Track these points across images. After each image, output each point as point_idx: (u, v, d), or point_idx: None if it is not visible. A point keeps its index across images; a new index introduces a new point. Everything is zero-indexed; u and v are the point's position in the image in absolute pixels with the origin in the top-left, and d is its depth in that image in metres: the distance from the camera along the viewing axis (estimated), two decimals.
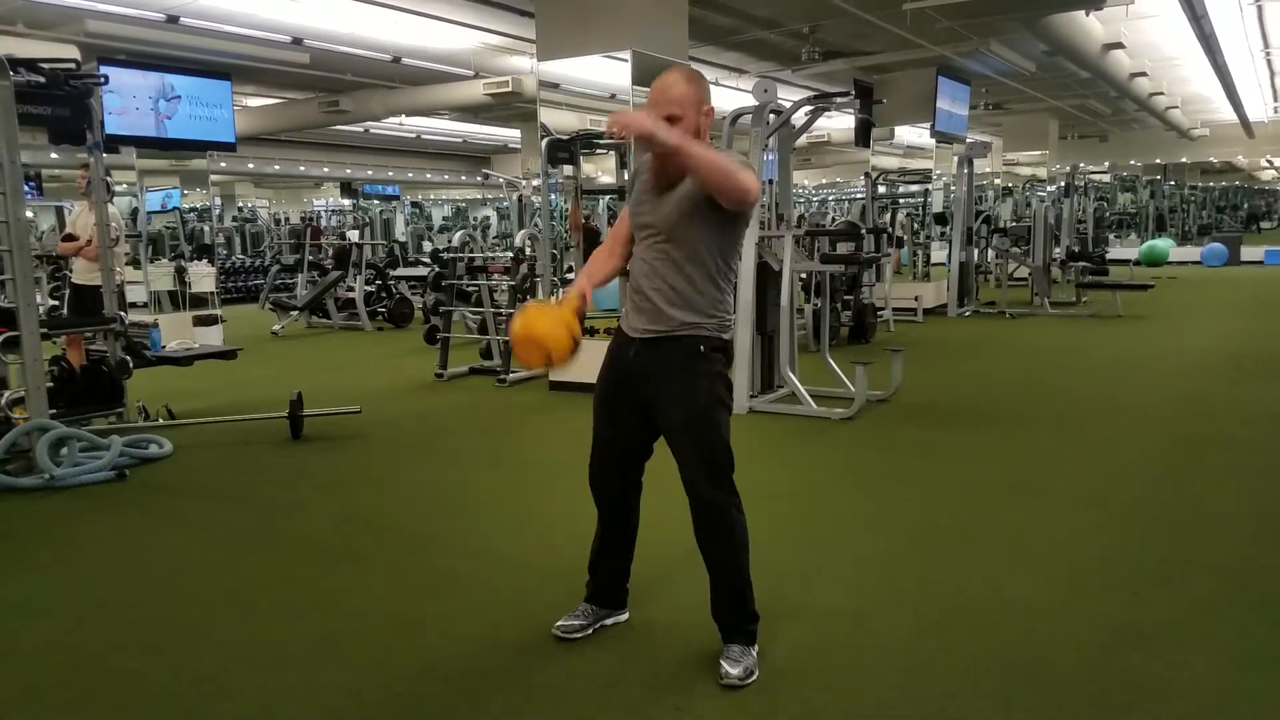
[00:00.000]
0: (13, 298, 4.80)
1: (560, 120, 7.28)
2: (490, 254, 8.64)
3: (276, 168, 22.61)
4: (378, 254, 14.22)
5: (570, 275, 8.03)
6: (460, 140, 21.10)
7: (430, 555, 3.64)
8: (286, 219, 23.79)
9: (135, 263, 9.57)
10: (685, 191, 2.47)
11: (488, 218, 25.33)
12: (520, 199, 13.79)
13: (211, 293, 10.26)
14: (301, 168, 23.08)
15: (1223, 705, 2.42)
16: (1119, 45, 11.43)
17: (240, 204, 25.08)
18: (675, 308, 2.52)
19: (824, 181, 28.14)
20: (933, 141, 12.27)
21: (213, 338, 9.10)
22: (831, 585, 3.23)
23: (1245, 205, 31.56)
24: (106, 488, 4.66)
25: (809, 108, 6.88)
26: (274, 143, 19.38)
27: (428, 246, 19.64)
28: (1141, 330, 9.90)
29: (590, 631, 2.83)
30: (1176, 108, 17.56)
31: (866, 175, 12.25)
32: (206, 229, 11.87)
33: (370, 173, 24.23)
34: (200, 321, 9.43)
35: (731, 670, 2.52)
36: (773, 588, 3.02)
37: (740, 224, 2.52)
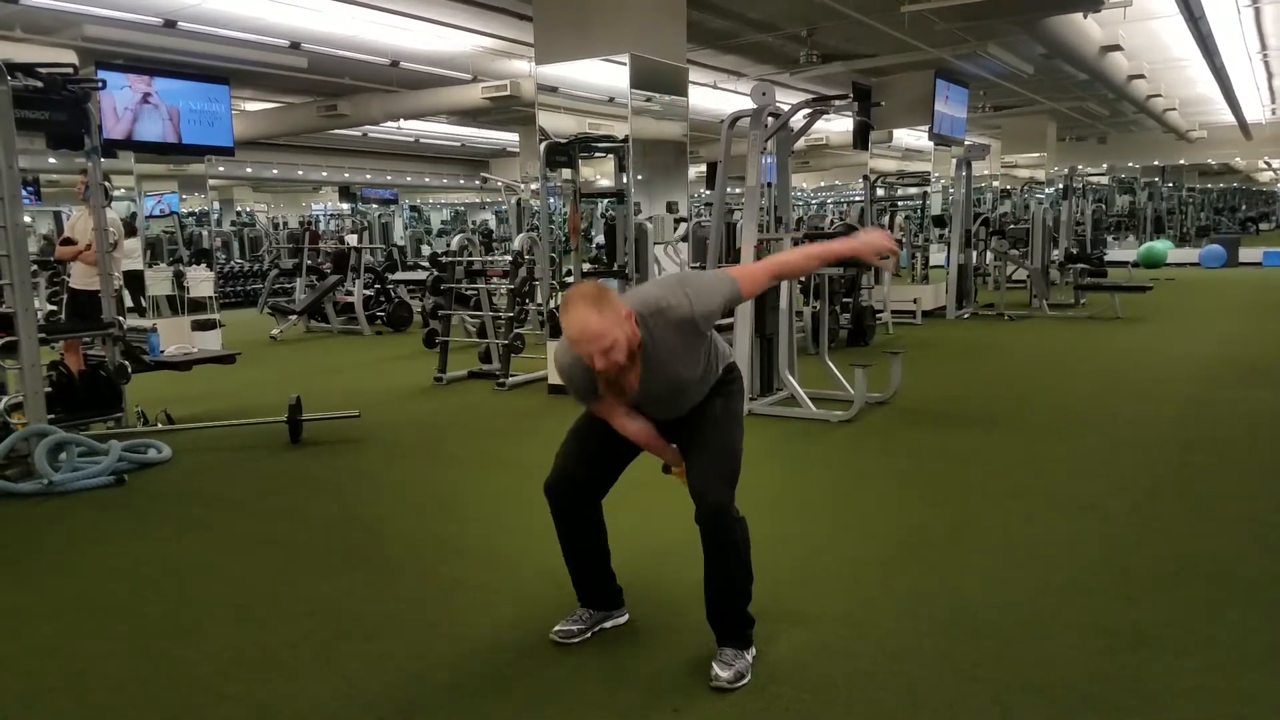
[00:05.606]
0: (11, 303, 4.80)
1: (559, 123, 7.28)
2: (489, 257, 8.63)
3: (275, 172, 22.62)
4: (376, 258, 14.21)
5: (569, 279, 8.01)
6: (459, 144, 21.10)
7: (429, 559, 3.64)
8: (285, 223, 23.77)
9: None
10: (679, 352, 2.49)
11: (486, 221, 25.35)
12: (519, 202, 13.78)
13: (210, 297, 10.26)
14: (300, 172, 23.08)
15: (1222, 707, 2.42)
16: (1117, 47, 11.44)
17: (238, 208, 25.06)
18: (696, 397, 2.64)
19: (822, 184, 28.16)
20: (931, 144, 12.27)
21: (211, 342, 9.09)
22: (829, 589, 3.23)
23: (1243, 207, 31.61)
24: (105, 493, 4.66)
25: (807, 110, 6.88)
26: (272, 147, 19.38)
27: (426, 250, 19.65)
28: (1140, 332, 9.90)
29: (589, 635, 2.83)
30: (1174, 110, 17.57)
31: (865, 178, 12.26)
32: (205, 233, 11.86)
33: (369, 176, 24.22)
34: (199, 326, 9.43)
35: (722, 674, 2.52)
36: (770, 591, 3.02)
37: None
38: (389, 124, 15.87)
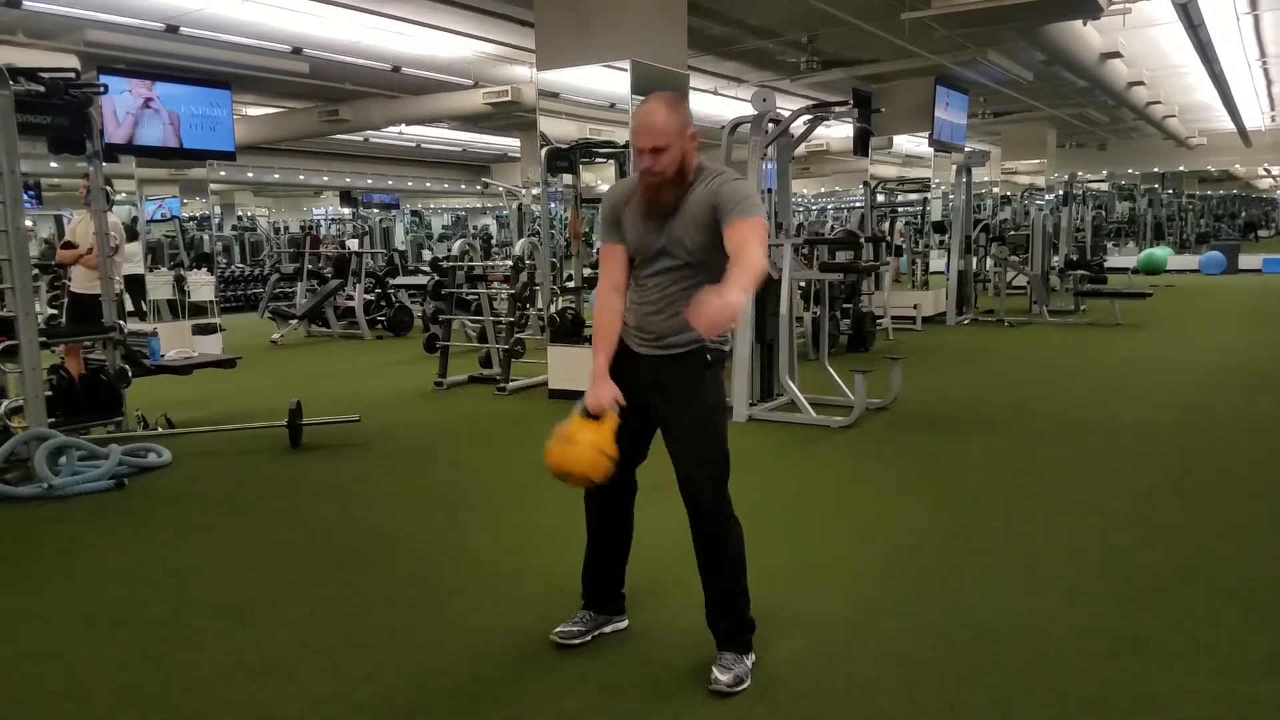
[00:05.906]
0: (12, 306, 4.80)
1: (560, 129, 7.30)
2: (489, 262, 8.65)
3: (276, 176, 22.64)
4: (377, 262, 14.23)
5: (570, 284, 8.02)
6: (460, 149, 21.13)
7: (429, 564, 3.64)
8: (286, 228, 23.81)
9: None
10: (700, 215, 2.46)
11: (487, 226, 25.39)
12: (520, 208, 13.80)
13: (211, 301, 10.26)
14: (301, 176, 23.10)
15: (1223, 711, 2.41)
16: (1116, 54, 11.46)
17: (240, 213, 25.10)
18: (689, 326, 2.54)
19: (823, 190, 28.20)
20: (931, 150, 12.30)
21: (212, 346, 9.09)
22: (830, 594, 3.23)
23: (1243, 214, 31.66)
24: (105, 497, 4.65)
25: (807, 117, 6.89)
26: (273, 151, 19.41)
27: (427, 255, 19.69)
28: (1140, 339, 9.91)
29: (589, 638, 2.83)
30: (1174, 116, 17.60)
31: (865, 184, 12.28)
32: (206, 238, 11.87)
33: (370, 181, 24.26)
34: (199, 330, 9.43)
35: (721, 677, 2.52)
36: (771, 596, 3.02)
37: None
38: (390, 129, 15.91)
